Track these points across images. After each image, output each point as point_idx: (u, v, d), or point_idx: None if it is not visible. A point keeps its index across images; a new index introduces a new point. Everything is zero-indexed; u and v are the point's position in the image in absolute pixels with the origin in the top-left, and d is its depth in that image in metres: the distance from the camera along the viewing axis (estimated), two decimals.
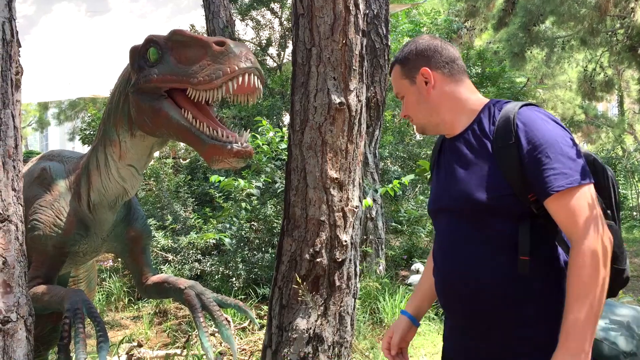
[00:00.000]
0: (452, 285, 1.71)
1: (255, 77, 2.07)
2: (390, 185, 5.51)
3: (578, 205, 1.47)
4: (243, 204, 5.76)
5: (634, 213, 12.43)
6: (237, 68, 2.01)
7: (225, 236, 5.40)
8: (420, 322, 2.07)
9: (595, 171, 1.64)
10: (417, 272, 6.20)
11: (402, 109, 1.86)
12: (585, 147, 26.66)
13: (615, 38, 13.89)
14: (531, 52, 15.48)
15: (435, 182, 1.84)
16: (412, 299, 2.07)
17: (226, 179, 5.39)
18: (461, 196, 1.64)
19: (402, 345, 2.01)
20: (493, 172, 1.57)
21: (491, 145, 1.60)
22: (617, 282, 1.68)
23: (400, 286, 5.74)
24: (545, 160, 1.50)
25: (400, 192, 5.80)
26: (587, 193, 1.49)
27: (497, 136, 1.59)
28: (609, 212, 1.65)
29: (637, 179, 12.99)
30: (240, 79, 2.03)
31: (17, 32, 2.14)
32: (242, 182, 5.40)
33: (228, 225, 5.77)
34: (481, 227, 1.61)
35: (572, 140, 1.55)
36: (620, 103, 23.05)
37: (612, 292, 1.70)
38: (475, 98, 1.75)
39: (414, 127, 1.86)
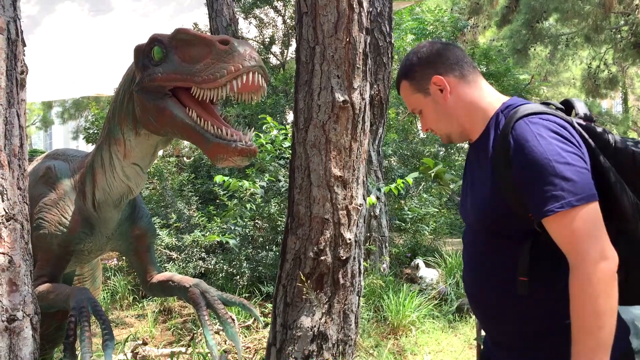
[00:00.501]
0: (470, 294, 1.71)
1: (259, 76, 2.07)
2: (394, 185, 5.50)
3: (572, 230, 1.36)
4: (248, 205, 5.76)
5: None
6: (241, 66, 2.02)
7: (230, 237, 5.40)
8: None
9: (633, 170, 1.51)
10: (417, 267, 6.20)
11: (421, 123, 1.77)
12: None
13: (619, 35, 13.85)
14: (535, 50, 15.44)
15: (462, 189, 1.78)
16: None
17: (230, 178, 5.40)
18: (474, 210, 1.62)
19: None
20: (493, 190, 1.51)
21: (492, 160, 1.53)
22: None
23: (404, 284, 5.74)
24: (535, 182, 1.40)
25: (404, 190, 5.79)
26: (583, 215, 1.36)
27: (495, 153, 1.52)
28: None
29: None
30: (245, 77, 2.04)
31: (22, 32, 2.15)
32: (246, 183, 5.41)
33: (232, 227, 5.78)
34: (488, 243, 1.58)
35: (575, 154, 1.42)
36: (625, 100, 22.96)
37: None
38: (489, 100, 1.65)
39: (441, 138, 1.77)
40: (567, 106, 1.66)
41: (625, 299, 1.47)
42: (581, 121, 1.56)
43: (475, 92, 1.66)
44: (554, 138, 1.43)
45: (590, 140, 1.50)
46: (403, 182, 5.47)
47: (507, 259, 1.52)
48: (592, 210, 1.38)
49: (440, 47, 1.69)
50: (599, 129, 1.55)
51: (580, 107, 1.62)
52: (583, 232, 1.36)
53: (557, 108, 1.64)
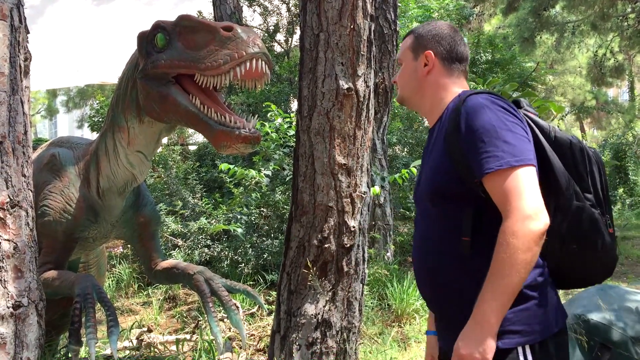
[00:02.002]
0: (418, 269, 1.79)
1: (263, 63, 2.06)
2: (399, 174, 5.49)
3: (507, 187, 1.47)
4: (253, 194, 5.76)
5: None
6: (244, 53, 2.01)
7: (237, 226, 5.41)
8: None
9: (572, 156, 1.65)
10: None
11: (397, 74, 1.92)
12: (595, 133, 26.46)
13: (626, 23, 13.74)
14: (541, 37, 15.33)
15: (418, 172, 1.92)
16: (430, 315, 2.07)
17: (235, 167, 5.40)
18: (423, 183, 1.74)
19: None
20: (443, 158, 1.63)
21: (444, 132, 1.66)
22: (600, 269, 1.69)
23: (409, 272, 5.75)
24: (480, 144, 1.52)
25: (408, 179, 5.79)
26: (519, 175, 1.48)
27: (447, 124, 1.65)
28: (588, 194, 1.64)
29: None
30: (248, 64, 2.03)
31: (25, 19, 2.15)
32: (252, 172, 5.41)
33: (239, 216, 5.79)
34: (437, 211, 1.68)
35: (518, 125, 1.56)
36: (631, 88, 22.81)
37: (597, 279, 1.74)
38: (454, 91, 1.79)
39: (397, 95, 1.92)
40: (516, 105, 1.78)
41: (572, 276, 1.66)
42: (528, 112, 1.73)
43: (450, 86, 1.79)
44: (500, 110, 1.58)
45: (532, 124, 1.66)
46: (407, 172, 5.46)
47: (452, 221, 1.62)
48: (528, 173, 1.49)
49: (457, 38, 1.82)
50: (541, 122, 1.71)
51: (525, 103, 1.78)
52: (518, 190, 1.47)
53: None
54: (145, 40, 2.28)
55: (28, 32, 2.20)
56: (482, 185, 1.55)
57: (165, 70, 2.21)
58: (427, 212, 1.74)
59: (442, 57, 1.79)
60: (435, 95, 1.80)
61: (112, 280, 6.16)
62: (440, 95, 1.79)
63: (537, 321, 1.53)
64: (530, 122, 1.66)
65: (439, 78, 1.80)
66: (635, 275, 5.96)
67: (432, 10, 9.95)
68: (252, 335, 4.34)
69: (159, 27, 2.23)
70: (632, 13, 13.47)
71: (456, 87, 1.79)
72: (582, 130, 24.06)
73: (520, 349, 1.52)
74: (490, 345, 1.45)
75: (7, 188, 1.99)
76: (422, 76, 1.81)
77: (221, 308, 2.93)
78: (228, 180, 6.08)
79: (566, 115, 18.08)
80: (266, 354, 3.59)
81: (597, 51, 16.44)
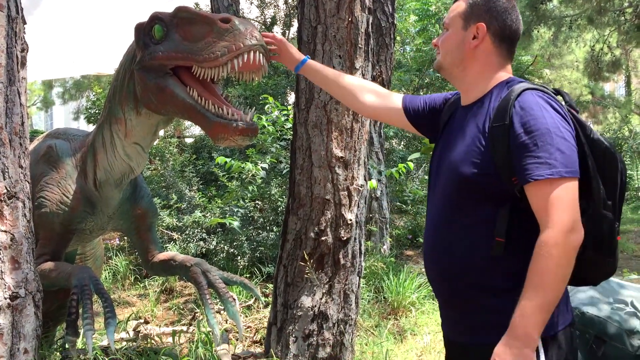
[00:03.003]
0: (434, 256, 1.74)
1: (261, 55, 2.06)
2: (395, 169, 5.50)
3: (554, 197, 1.45)
4: (249, 187, 5.76)
5: (639, 193, 12.39)
6: (242, 45, 2.00)
7: (232, 220, 5.41)
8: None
9: (603, 162, 1.60)
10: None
11: (439, 36, 1.80)
12: (591, 127, 26.50)
13: (623, 17, 13.72)
14: (538, 31, 15.31)
15: (438, 147, 1.82)
16: (317, 66, 2.21)
17: (232, 160, 5.39)
18: (451, 167, 1.65)
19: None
20: (483, 149, 1.58)
21: (488, 122, 1.59)
22: (604, 272, 1.70)
23: (405, 265, 5.76)
24: (532, 147, 1.48)
25: (405, 172, 5.81)
26: (567, 187, 1.46)
27: (494, 115, 1.58)
28: (609, 202, 1.61)
29: None
30: (246, 56, 2.02)
31: (22, 9, 2.13)
32: (249, 164, 5.40)
33: (235, 210, 5.78)
34: (464, 203, 1.63)
35: (569, 132, 1.52)
36: (628, 83, 22.84)
37: (598, 280, 1.73)
38: (499, 76, 1.71)
39: (436, 59, 1.81)
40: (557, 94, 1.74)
41: (576, 276, 1.58)
42: (571, 109, 1.66)
43: (496, 66, 1.71)
44: (555, 113, 1.53)
45: (575, 123, 1.60)
46: (404, 166, 5.46)
47: (484, 218, 1.59)
48: (573, 186, 1.48)
49: (514, 16, 1.70)
50: (583, 120, 1.65)
51: (568, 98, 1.70)
52: (563, 202, 1.45)
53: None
54: (143, 31, 2.27)
55: (25, 23, 2.18)
56: (517, 184, 1.53)
57: (163, 62, 2.20)
58: (451, 200, 1.67)
59: (494, 33, 1.68)
60: (478, 74, 1.71)
61: (108, 272, 6.16)
62: (484, 74, 1.70)
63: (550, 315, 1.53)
64: (573, 120, 1.61)
65: (487, 56, 1.69)
66: (630, 269, 5.99)
67: (429, 4, 9.93)
68: (248, 327, 4.35)
69: (156, 18, 2.22)
70: (629, 7, 13.46)
71: (503, 71, 1.71)
72: None
73: None
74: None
75: (4, 179, 1.99)
76: (468, 49, 1.70)
77: (218, 300, 2.93)
78: (222, 174, 6.07)
79: None
80: (263, 346, 3.61)
81: (594, 45, 16.44)
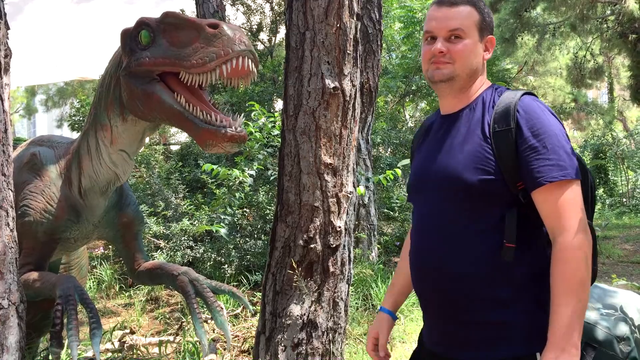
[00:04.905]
0: (430, 267, 1.66)
1: (249, 60, 2.04)
2: (383, 175, 5.50)
3: (567, 200, 1.46)
4: (237, 194, 5.73)
5: (624, 199, 12.51)
6: (230, 51, 1.98)
7: (220, 227, 5.37)
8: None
9: (581, 169, 1.61)
10: None
11: (442, 44, 1.65)
12: (575, 134, 26.76)
13: (605, 25, 13.89)
14: (522, 39, 15.45)
15: (421, 159, 1.78)
16: (389, 292, 2.04)
17: (219, 167, 5.35)
18: (451, 174, 1.60)
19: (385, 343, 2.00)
20: (487, 155, 1.55)
21: (488, 128, 1.57)
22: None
23: (393, 272, 5.75)
24: (542, 150, 1.48)
25: (392, 179, 5.81)
26: (577, 189, 1.48)
27: (495, 119, 1.57)
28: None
29: (626, 166, 13.08)
30: (234, 62, 2.00)
31: (5, 14, 2.09)
32: (236, 171, 5.37)
33: (222, 217, 5.74)
34: (467, 209, 1.58)
35: (567, 135, 1.55)
36: (610, 90, 23.10)
37: None
38: (484, 82, 1.74)
39: (443, 69, 1.66)
40: None
41: None
42: None
43: (485, 74, 1.75)
44: (554, 118, 1.57)
45: None
46: (392, 173, 5.46)
47: (489, 225, 1.55)
48: (579, 188, 1.50)
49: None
50: None
51: None
52: (576, 204, 1.47)
53: None
54: (129, 37, 2.24)
55: (8, 29, 2.14)
56: (524, 190, 1.52)
57: (150, 68, 2.17)
58: (451, 208, 1.61)
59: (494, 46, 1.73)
60: (478, 84, 1.71)
61: (93, 282, 6.08)
62: (477, 83, 1.71)
63: None
64: None
65: (484, 67, 1.73)
66: (617, 274, 6.03)
67: (414, 11, 9.98)
68: (236, 336, 4.30)
69: (143, 23, 2.19)
70: (611, 15, 13.63)
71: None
72: None
73: (538, 355, 1.51)
74: None
75: None
76: (482, 61, 1.70)
77: (205, 309, 2.90)
78: (210, 181, 6.03)
79: None
80: (251, 355, 3.56)
81: (577, 53, 16.62)
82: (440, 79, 1.67)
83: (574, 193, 1.47)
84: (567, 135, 1.54)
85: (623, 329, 2.66)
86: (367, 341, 2.03)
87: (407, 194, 1.85)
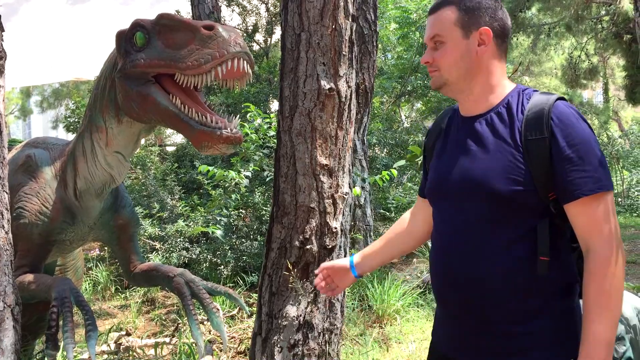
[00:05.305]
0: (455, 273, 1.60)
1: (245, 62, 2.04)
2: (379, 176, 5.50)
3: (602, 212, 1.43)
4: (233, 195, 5.72)
5: (619, 199, 12.55)
6: (226, 52, 1.98)
7: (215, 228, 5.36)
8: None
9: None
10: None
11: (428, 53, 1.64)
12: None
13: (600, 25, 13.95)
14: (517, 39, 15.51)
15: (444, 160, 1.69)
16: (364, 252, 2.01)
17: (215, 168, 5.35)
18: (480, 183, 1.53)
19: (331, 277, 2.00)
20: (519, 164, 1.49)
21: (519, 135, 1.50)
22: None
23: (389, 273, 5.75)
24: (578, 161, 1.44)
25: (388, 179, 5.81)
26: (611, 200, 1.46)
27: (527, 127, 1.50)
28: None
29: (621, 166, 13.11)
30: (230, 63, 2.00)
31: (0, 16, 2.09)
32: (232, 173, 5.36)
33: (218, 218, 5.73)
34: (496, 219, 1.52)
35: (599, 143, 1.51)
36: (605, 90, 23.18)
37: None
38: (506, 81, 1.64)
39: (432, 78, 1.65)
40: None
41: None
42: None
43: (499, 70, 1.62)
44: (588, 126, 1.50)
45: None
46: (388, 174, 5.47)
47: (522, 236, 1.51)
48: (612, 198, 1.48)
49: (503, 10, 1.62)
50: None
51: None
52: (610, 216, 1.44)
53: None
54: (124, 39, 2.24)
55: (3, 31, 2.14)
56: (555, 201, 1.48)
57: (145, 70, 2.17)
58: (481, 220, 1.55)
59: (497, 35, 1.58)
60: (487, 82, 1.61)
61: (89, 283, 6.07)
62: (492, 81, 1.61)
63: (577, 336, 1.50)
64: None
65: (491, 60, 1.60)
66: None
67: (410, 12, 9.99)
68: (232, 337, 4.30)
69: (138, 25, 2.19)
70: (606, 16, 13.68)
71: (505, 76, 1.64)
72: None
73: None
74: None
75: None
76: (475, 58, 1.58)
77: (201, 310, 2.89)
78: (206, 182, 6.02)
79: None
80: (247, 357, 3.56)
81: (572, 53, 16.67)
82: (434, 88, 1.67)
83: (608, 205, 1.45)
84: (598, 143, 1.50)
85: (618, 329, 2.68)
86: (317, 271, 2.03)
87: (428, 196, 1.78)
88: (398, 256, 2.09)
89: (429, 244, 6.37)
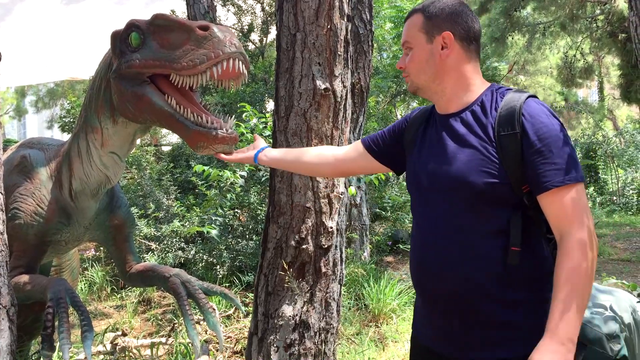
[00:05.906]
0: (434, 266, 1.65)
1: (240, 62, 2.04)
2: (375, 175, 5.51)
3: (575, 201, 1.48)
4: (228, 195, 5.72)
5: (614, 198, 12.59)
6: (221, 53, 1.98)
7: (211, 228, 5.36)
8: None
9: None
10: None
11: (402, 59, 1.76)
12: None
13: (595, 24, 13.98)
14: (512, 38, 15.53)
15: (423, 156, 1.76)
16: (280, 150, 2.30)
17: (210, 168, 5.35)
18: (456, 177, 1.60)
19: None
20: (492, 158, 1.56)
21: (493, 131, 1.58)
22: None
23: (385, 272, 5.76)
24: (548, 155, 1.50)
25: (384, 179, 5.82)
26: (582, 191, 1.51)
27: (500, 123, 1.57)
28: None
29: (616, 164, 13.17)
30: (225, 64, 2.00)
31: None
32: (227, 172, 5.36)
33: (214, 218, 5.73)
34: (472, 212, 1.59)
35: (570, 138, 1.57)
36: (600, 89, 23.24)
37: None
38: (479, 80, 1.71)
39: (408, 83, 1.77)
40: None
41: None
42: None
43: (470, 69, 1.70)
44: (558, 121, 1.57)
45: None
46: (384, 174, 5.47)
47: (497, 228, 1.57)
48: (584, 189, 1.53)
49: (470, 15, 1.70)
50: None
51: None
52: (583, 205, 1.50)
53: None
54: (119, 39, 2.23)
55: None
56: (529, 194, 1.55)
57: (140, 70, 2.16)
58: (458, 212, 1.61)
59: (461, 38, 1.66)
60: (457, 82, 1.69)
61: (84, 284, 6.06)
62: (463, 81, 1.68)
63: None
64: None
65: (459, 62, 1.67)
66: (607, 272, 6.07)
67: (405, 11, 9.99)
68: (228, 337, 4.30)
69: (133, 25, 2.19)
70: (601, 15, 13.72)
71: (476, 73, 1.70)
72: None
73: None
74: None
75: None
76: (440, 61, 1.67)
77: (197, 310, 2.89)
78: (200, 183, 6.02)
79: None
80: (243, 356, 3.56)
81: (567, 52, 16.71)
82: (411, 92, 1.79)
83: (579, 195, 1.49)
84: (569, 137, 1.56)
85: (613, 327, 2.68)
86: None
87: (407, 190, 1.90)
88: (299, 168, 2.26)
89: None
